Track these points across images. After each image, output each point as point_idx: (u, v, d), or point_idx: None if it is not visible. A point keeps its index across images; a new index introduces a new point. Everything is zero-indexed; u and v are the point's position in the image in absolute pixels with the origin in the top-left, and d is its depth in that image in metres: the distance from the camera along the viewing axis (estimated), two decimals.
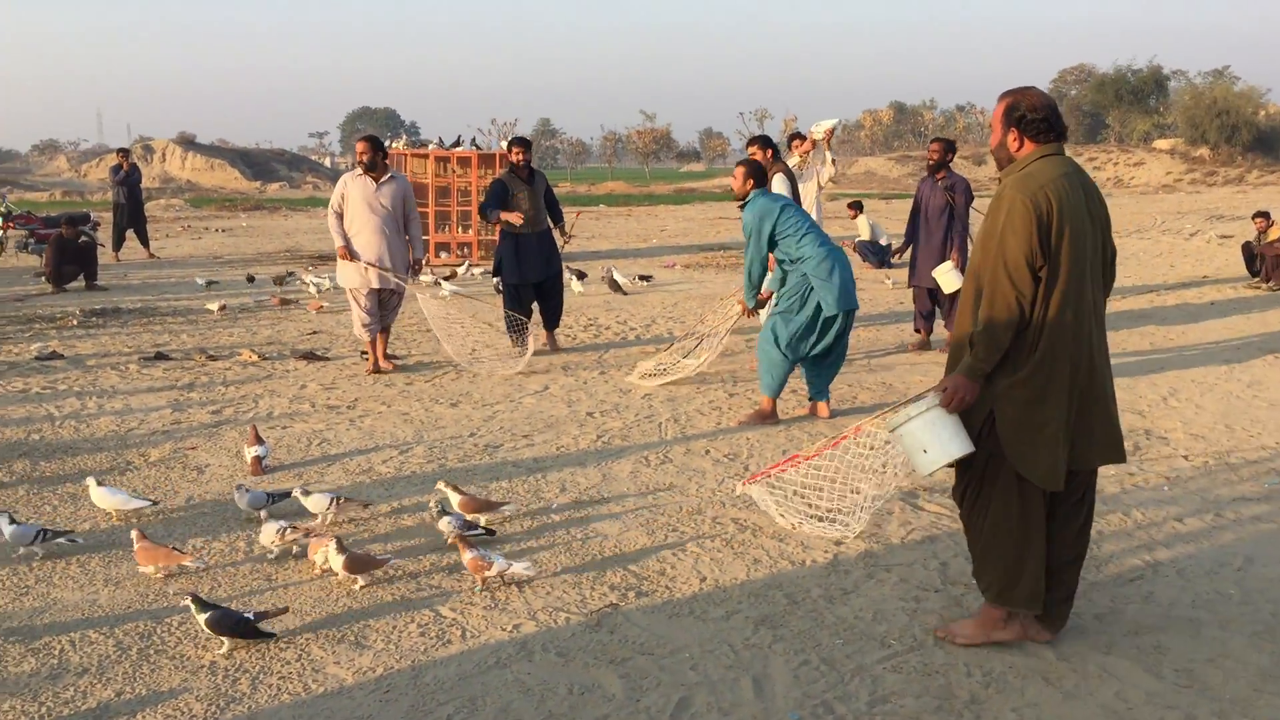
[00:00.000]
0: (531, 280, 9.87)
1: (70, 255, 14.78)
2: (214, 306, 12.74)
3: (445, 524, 5.04)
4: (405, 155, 19.69)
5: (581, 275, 14.94)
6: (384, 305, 9.11)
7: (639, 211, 36.13)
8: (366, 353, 9.33)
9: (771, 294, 7.69)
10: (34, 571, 4.82)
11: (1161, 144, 59.97)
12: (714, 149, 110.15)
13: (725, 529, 5.33)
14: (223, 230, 27.72)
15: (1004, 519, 3.89)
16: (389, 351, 9.51)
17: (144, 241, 19.66)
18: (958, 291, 9.08)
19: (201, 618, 4.03)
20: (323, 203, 44.40)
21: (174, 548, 4.88)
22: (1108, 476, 6.05)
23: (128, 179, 19.02)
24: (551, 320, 10.20)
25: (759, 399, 7.56)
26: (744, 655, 4.01)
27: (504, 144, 13.31)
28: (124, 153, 20.38)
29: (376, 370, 9.16)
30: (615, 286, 14.22)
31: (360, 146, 8.87)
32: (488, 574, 4.57)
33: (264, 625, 4.11)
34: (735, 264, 18.00)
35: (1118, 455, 3.95)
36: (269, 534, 4.96)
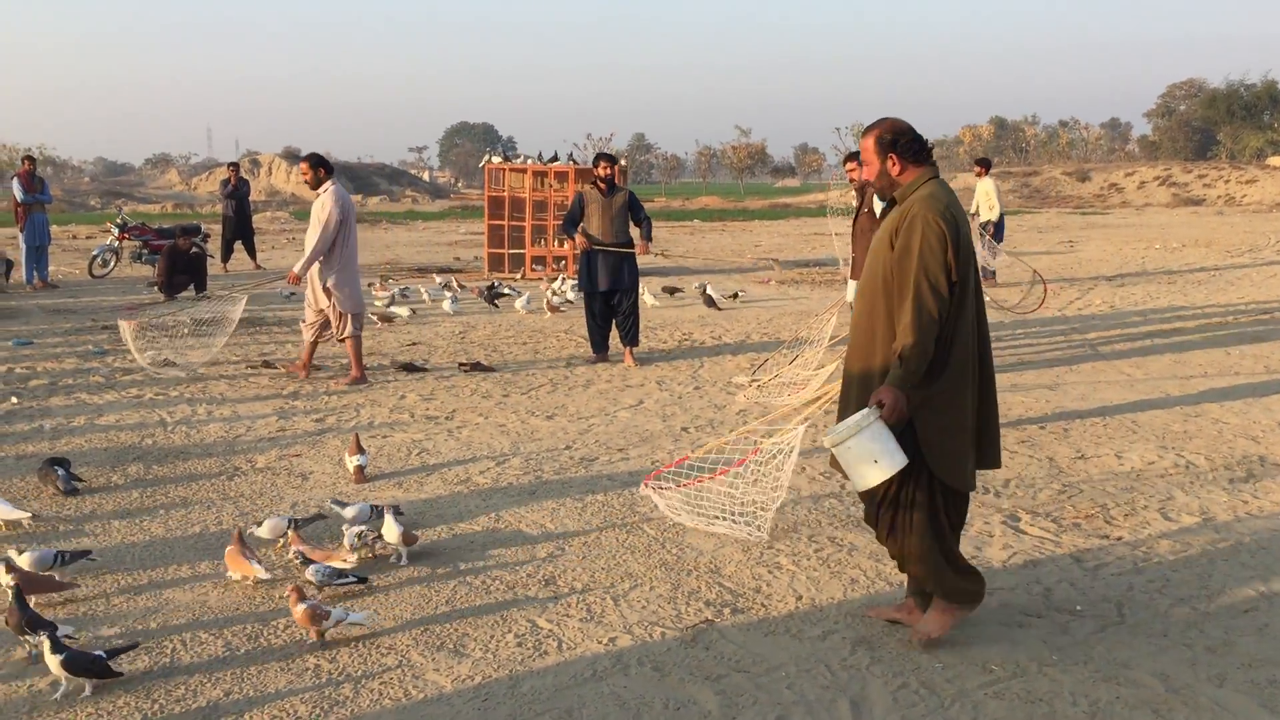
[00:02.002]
0: (600, 290, 10.10)
1: (182, 265, 15.28)
2: (404, 311, 13.40)
3: (311, 573, 4.70)
4: (503, 170, 19.96)
5: (673, 291, 15.02)
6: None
7: (733, 226, 36.09)
8: (465, 363, 9.52)
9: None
10: (147, 573, 4.98)
11: (1275, 161, 58.03)
12: (809, 164, 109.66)
13: (822, 547, 5.28)
14: None
15: (931, 527, 4.07)
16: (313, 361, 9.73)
17: (251, 253, 20.24)
18: None
19: (55, 659, 3.79)
20: (422, 215, 45.31)
21: (249, 558, 4.88)
22: (1220, 504, 5.86)
23: (236, 192, 19.62)
24: (627, 337, 10.32)
25: None
26: (841, 676, 3.97)
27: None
28: (233, 167, 21.01)
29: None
30: (710, 302, 14.22)
31: (302, 166, 9.24)
32: (324, 625, 4.21)
33: (114, 664, 3.92)
34: (830, 279, 17.86)
35: (998, 461, 4.23)
36: (351, 539, 5.09)
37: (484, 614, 4.53)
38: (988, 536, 5.41)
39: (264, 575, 4.78)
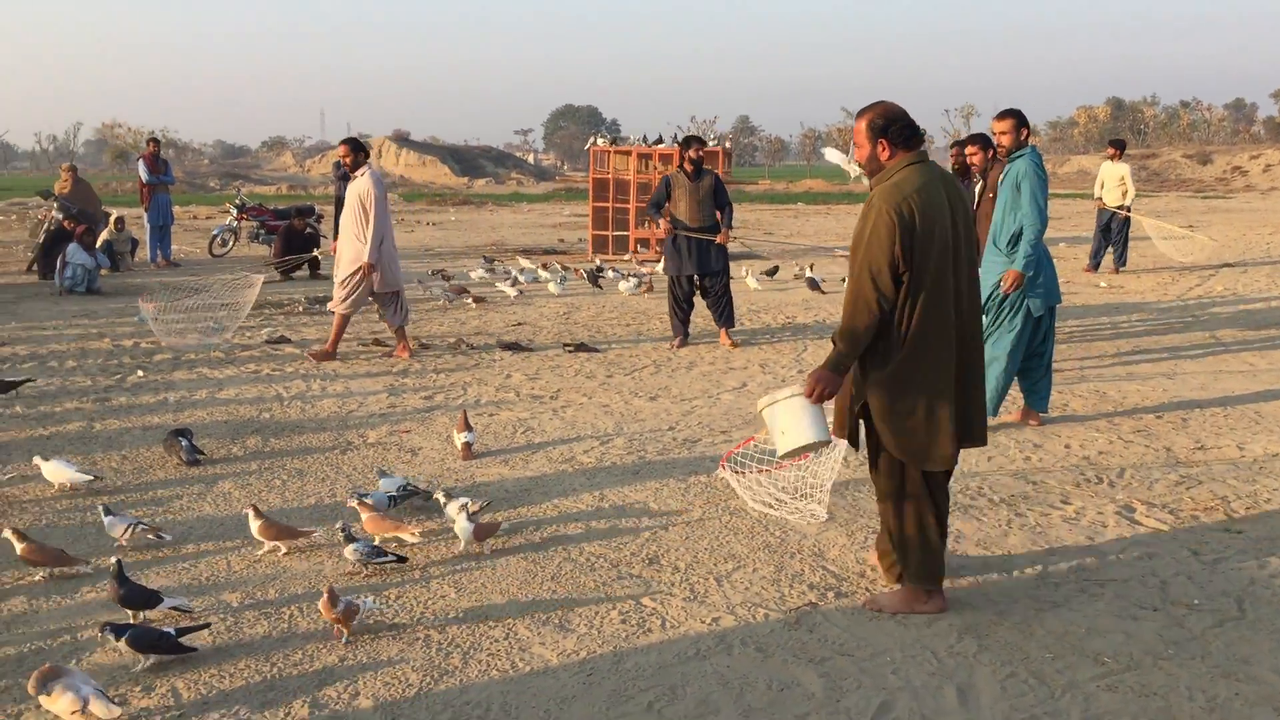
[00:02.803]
0: (685, 274, 10.11)
1: (297, 245, 15.72)
2: (511, 291, 13.75)
3: (351, 551, 4.76)
4: (608, 152, 20.05)
5: (774, 271, 14.96)
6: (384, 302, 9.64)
7: (838, 209, 35.70)
8: (569, 344, 9.65)
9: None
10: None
11: None
12: None
13: None
14: (433, 224, 28.88)
15: (904, 504, 4.24)
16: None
17: None
18: None
19: (121, 642, 3.85)
20: (527, 198, 45.74)
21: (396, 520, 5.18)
22: None
23: (347, 174, 20.04)
24: (722, 319, 10.32)
25: None
26: (948, 663, 3.93)
27: (713, 139, 13.46)
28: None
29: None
30: (813, 285, 14.10)
31: (341, 149, 9.63)
32: (354, 622, 4.14)
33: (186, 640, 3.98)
34: None
35: (984, 439, 4.31)
36: (453, 510, 5.19)
37: (588, 590, 4.59)
38: (1101, 527, 5.29)
39: (411, 538, 5.03)
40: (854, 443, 4.42)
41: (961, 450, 4.27)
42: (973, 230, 4.23)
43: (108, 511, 5.09)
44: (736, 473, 5.60)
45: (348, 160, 9.49)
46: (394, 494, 5.50)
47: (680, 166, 10.18)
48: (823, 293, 13.96)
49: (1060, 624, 4.22)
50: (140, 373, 9.02)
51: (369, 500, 5.31)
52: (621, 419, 7.51)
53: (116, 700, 3.56)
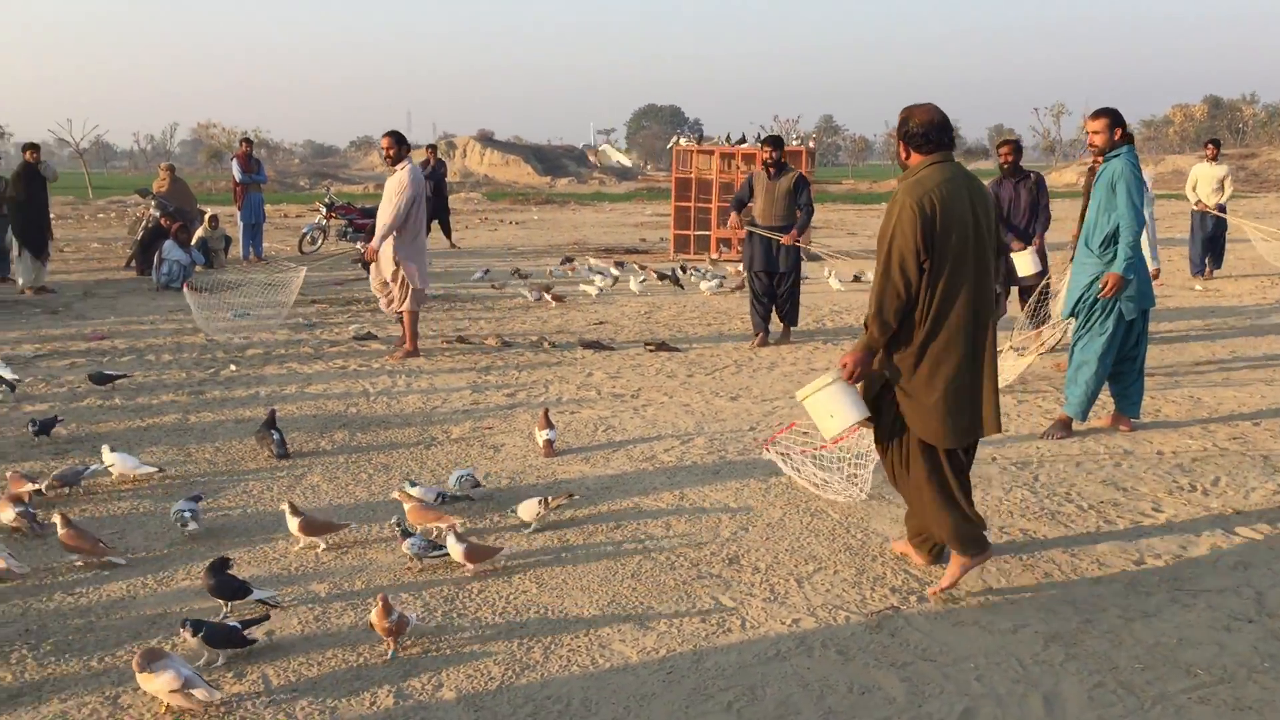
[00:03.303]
0: (758, 269, 10.20)
1: None
2: (593, 290, 13.99)
3: (407, 546, 4.83)
4: (691, 152, 20.04)
5: (858, 277, 14.82)
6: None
7: None
8: (650, 343, 9.64)
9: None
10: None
11: None
12: None
13: (1014, 539, 5.14)
14: (516, 223, 29.15)
15: (930, 476, 4.45)
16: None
17: (447, 232, 20.97)
18: (1033, 276, 9.39)
19: (196, 639, 3.91)
20: (608, 197, 45.94)
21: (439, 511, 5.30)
22: None
23: (434, 173, 20.32)
24: (786, 318, 10.45)
25: (1058, 410, 7.23)
26: (1033, 671, 3.86)
27: (797, 139, 13.42)
28: (431, 149, 21.79)
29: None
30: None
31: (384, 141, 9.46)
32: (402, 638, 4.06)
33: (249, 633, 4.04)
34: None
35: (998, 426, 4.47)
36: (529, 509, 5.24)
37: (668, 589, 4.60)
38: (1194, 536, 5.15)
39: (447, 526, 5.08)
40: (874, 428, 4.70)
41: (1012, 445, 4.27)
42: (993, 224, 4.49)
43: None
44: (781, 454, 5.83)
45: (390, 152, 9.46)
46: (446, 492, 5.62)
47: (763, 165, 10.19)
48: None
49: (1151, 634, 4.13)
50: (233, 367, 9.25)
51: (413, 492, 5.44)
52: (702, 418, 7.51)
53: (212, 684, 3.67)
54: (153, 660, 3.55)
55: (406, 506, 5.31)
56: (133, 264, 16.52)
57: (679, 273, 15.24)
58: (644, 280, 14.62)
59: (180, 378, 8.84)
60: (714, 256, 18.83)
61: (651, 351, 9.95)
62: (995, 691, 3.72)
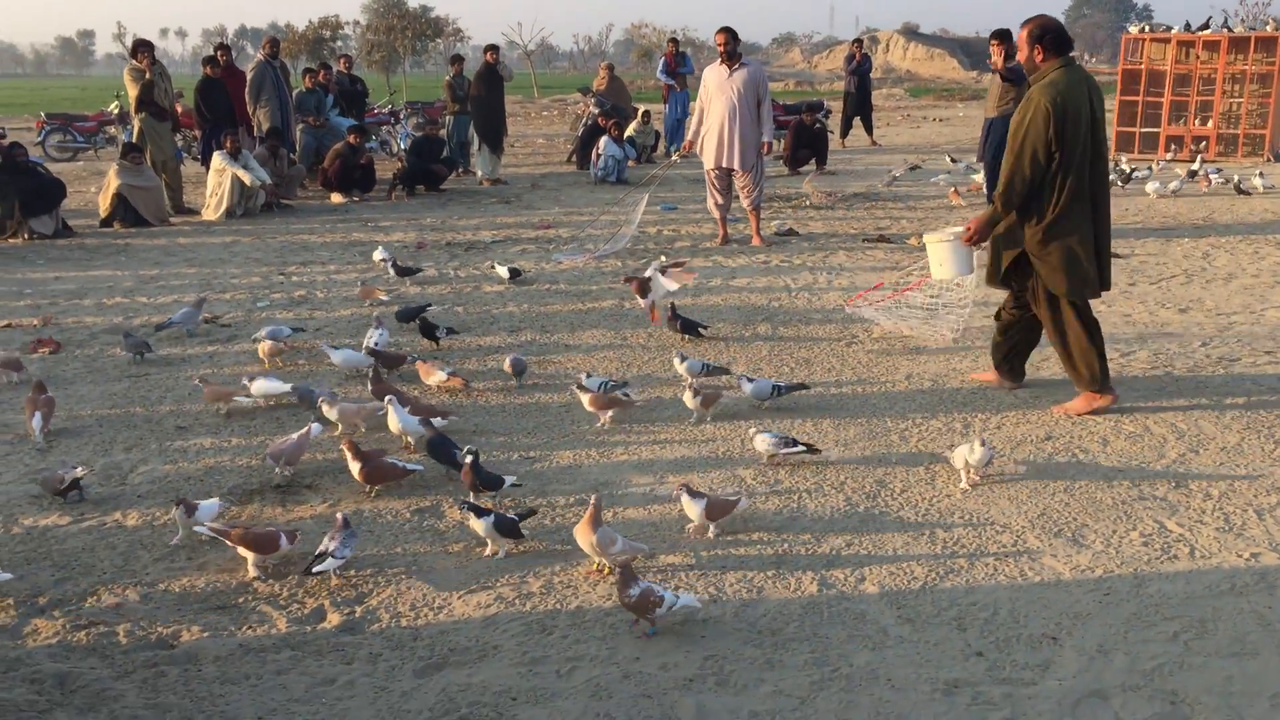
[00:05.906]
0: None
1: (805, 141, 15.99)
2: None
3: (762, 442, 4.76)
4: (1143, 40, 18.28)
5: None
6: (730, 185, 9.95)
7: None
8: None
9: None
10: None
11: None
12: None
13: None
14: (940, 119, 28.09)
15: (1065, 326, 5.29)
16: (760, 230, 10.25)
17: (868, 129, 20.61)
18: None
19: (481, 524, 3.97)
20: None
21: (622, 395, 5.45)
22: None
23: (859, 68, 19.95)
24: None
25: None
26: None
27: (1269, 24, 11.87)
28: (858, 43, 21.37)
29: (725, 242, 10.17)
30: None
31: (719, 38, 9.74)
32: (656, 613, 3.42)
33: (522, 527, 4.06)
34: None
35: (1109, 284, 5.37)
36: (764, 444, 4.84)
37: (1105, 507, 4.33)
38: None
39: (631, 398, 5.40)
40: (1006, 286, 5.53)
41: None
42: (1104, 120, 5.22)
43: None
44: (874, 306, 6.86)
45: (724, 49, 9.70)
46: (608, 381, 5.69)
47: None
48: None
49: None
50: (663, 258, 9.68)
51: (587, 384, 5.54)
52: (1145, 330, 6.95)
53: (648, 550, 3.91)
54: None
55: (584, 399, 5.39)
56: (573, 158, 17.63)
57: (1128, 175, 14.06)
58: None
59: (615, 266, 9.37)
60: (1165, 158, 17.14)
61: None
62: None
